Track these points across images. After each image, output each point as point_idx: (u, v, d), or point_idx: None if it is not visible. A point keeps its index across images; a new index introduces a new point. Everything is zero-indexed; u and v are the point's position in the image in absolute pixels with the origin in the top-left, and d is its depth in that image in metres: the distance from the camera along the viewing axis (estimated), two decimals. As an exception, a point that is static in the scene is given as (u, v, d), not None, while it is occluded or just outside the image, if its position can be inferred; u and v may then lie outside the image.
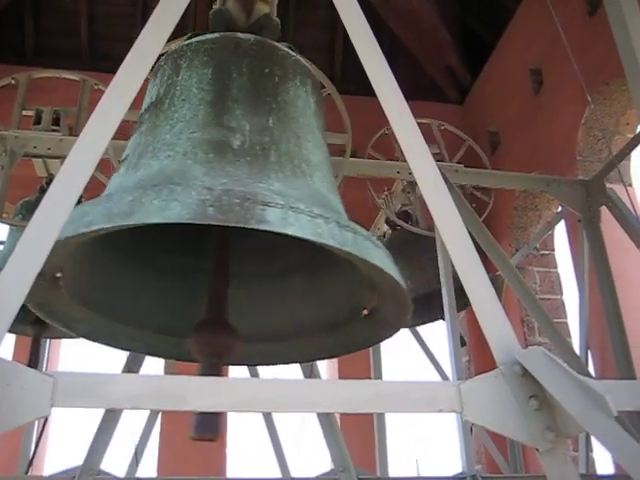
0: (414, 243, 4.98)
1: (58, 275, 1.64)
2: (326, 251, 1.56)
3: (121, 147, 3.82)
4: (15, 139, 3.95)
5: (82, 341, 1.94)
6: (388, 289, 1.62)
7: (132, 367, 3.23)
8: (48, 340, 5.27)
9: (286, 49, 1.99)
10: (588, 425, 1.24)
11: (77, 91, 4.60)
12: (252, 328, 1.95)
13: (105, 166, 3.94)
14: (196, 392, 1.20)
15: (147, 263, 2.00)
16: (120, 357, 3.57)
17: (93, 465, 3.12)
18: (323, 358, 2.03)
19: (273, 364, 2.02)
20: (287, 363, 2.05)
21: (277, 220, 1.36)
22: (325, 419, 3.28)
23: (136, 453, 4.07)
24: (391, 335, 1.84)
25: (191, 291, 2.02)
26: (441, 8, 8.21)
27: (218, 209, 1.33)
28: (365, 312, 1.81)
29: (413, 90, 8.65)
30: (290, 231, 1.35)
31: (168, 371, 4.00)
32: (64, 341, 6.02)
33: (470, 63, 8.61)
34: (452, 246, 1.51)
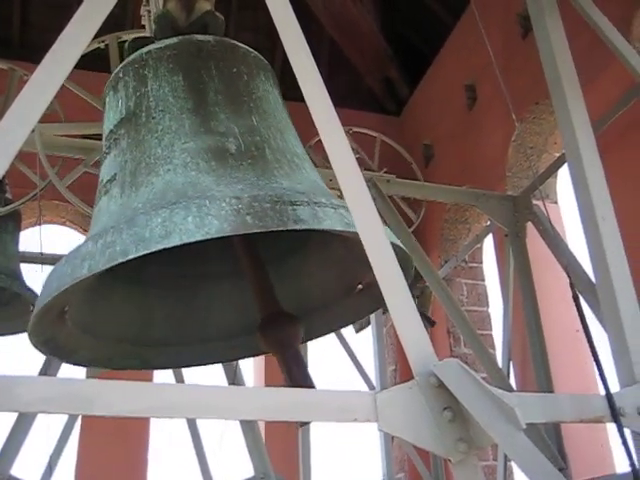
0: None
1: (66, 309, 1.60)
2: (317, 234, 1.62)
3: (53, 142, 3.77)
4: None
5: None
6: None
7: (49, 371, 3.13)
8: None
9: (244, 46, 1.97)
10: (497, 437, 1.26)
11: (4, 80, 4.44)
12: (244, 321, 1.95)
13: (32, 160, 3.83)
14: (105, 396, 1.16)
15: (134, 278, 1.94)
16: (37, 361, 3.45)
17: (3, 470, 3.00)
18: (316, 337, 2.05)
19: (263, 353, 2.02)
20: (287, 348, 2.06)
21: (310, 217, 1.38)
22: (247, 425, 3.25)
23: (51, 459, 3.94)
24: (381, 306, 1.88)
25: (181, 300, 2.01)
26: (382, 20, 8.32)
27: (255, 216, 1.33)
28: (360, 287, 1.86)
29: (352, 100, 8.76)
30: (325, 225, 1.40)
31: (90, 375, 3.89)
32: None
33: (408, 76, 8.74)
34: (373, 255, 1.52)
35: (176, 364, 2.08)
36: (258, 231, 1.34)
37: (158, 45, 1.90)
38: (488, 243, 6.73)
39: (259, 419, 1.30)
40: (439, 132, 7.79)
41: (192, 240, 1.31)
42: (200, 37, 1.93)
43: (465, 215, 7.29)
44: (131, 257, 1.30)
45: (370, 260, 1.52)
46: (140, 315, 1.96)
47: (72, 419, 4.71)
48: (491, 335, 6.92)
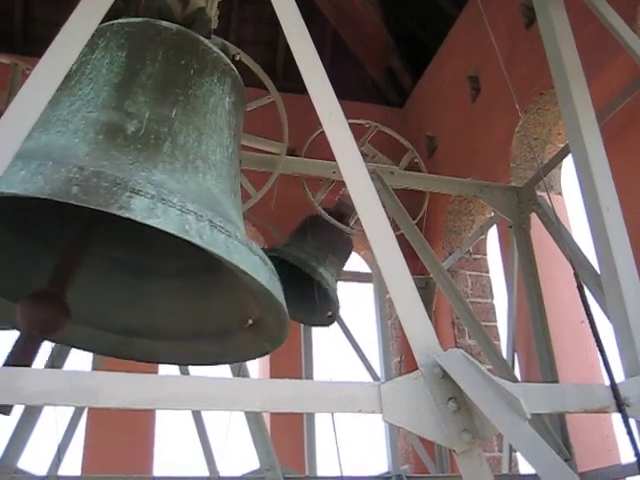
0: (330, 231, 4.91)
1: None
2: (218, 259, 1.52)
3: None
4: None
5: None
6: (266, 300, 1.60)
7: (56, 362, 3.14)
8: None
9: (209, 44, 1.95)
10: (502, 427, 1.26)
11: (8, 75, 4.43)
12: (144, 323, 1.93)
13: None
14: (110, 388, 1.17)
15: (38, 237, 1.93)
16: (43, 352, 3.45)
17: (10, 463, 3.02)
18: (210, 364, 1.99)
19: (154, 362, 1.99)
20: (171, 364, 2.03)
21: (142, 209, 1.33)
22: (252, 418, 3.26)
23: (58, 451, 3.96)
24: (273, 349, 1.82)
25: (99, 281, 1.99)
26: (385, 11, 8.29)
27: (83, 189, 1.30)
28: (250, 322, 1.79)
29: (355, 91, 8.73)
30: (153, 222, 1.33)
31: (96, 367, 3.91)
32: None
33: (411, 67, 8.71)
34: (377, 247, 1.52)
35: (70, 342, 2.03)
36: (76, 204, 1.30)
37: (123, 20, 1.90)
38: (492, 234, 6.72)
39: (263, 410, 1.31)
40: (442, 124, 7.76)
41: (9, 191, 1.29)
42: (165, 23, 1.92)
43: (469, 207, 7.27)
44: None
45: (374, 252, 1.52)
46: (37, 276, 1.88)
47: (79, 411, 4.72)
48: (496, 326, 6.91)
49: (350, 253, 5.04)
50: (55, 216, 1.89)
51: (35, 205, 1.57)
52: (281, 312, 1.62)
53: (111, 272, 2.05)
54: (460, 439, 1.34)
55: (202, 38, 1.99)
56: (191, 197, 1.51)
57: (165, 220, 1.35)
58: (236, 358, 1.98)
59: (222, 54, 2.01)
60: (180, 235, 1.35)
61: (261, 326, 1.76)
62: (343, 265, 4.95)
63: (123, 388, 1.17)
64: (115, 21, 1.92)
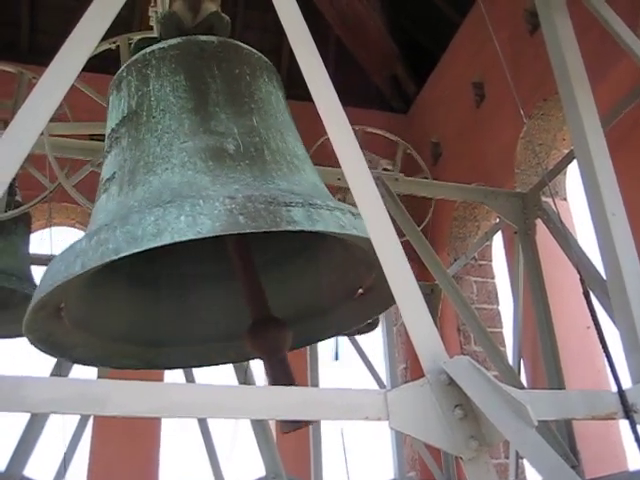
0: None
1: (62, 305, 1.59)
2: (318, 237, 1.61)
3: (61, 144, 3.78)
4: (-55, 131, 3.80)
5: (11, 342, 1.88)
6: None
7: (61, 371, 3.14)
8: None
9: (247, 47, 1.97)
10: (509, 434, 1.25)
11: (14, 84, 4.46)
12: (242, 324, 1.93)
13: (41, 163, 3.85)
14: (116, 397, 1.17)
15: (134, 276, 1.94)
16: (48, 362, 3.47)
17: (16, 471, 3.02)
18: (316, 341, 2.07)
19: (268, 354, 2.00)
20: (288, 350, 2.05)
21: (304, 219, 1.38)
22: (258, 425, 3.25)
23: (64, 459, 3.96)
24: (384, 311, 1.90)
25: (181, 300, 2.01)
26: (388, 18, 8.31)
27: (248, 216, 1.33)
28: (360, 291, 1.84)
29: (359, 98, 8.74)
30: (319, 227, 1.39)
31: (101, 375, 3.91)
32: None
33: (415, 74, 8.73)
34: (383, 253, 1.51)
35: (176, 364, 2.06)
36: (250, 231, 1.33)
37: (161, 45, 1.90)
38: (497, 241, 6.71)
39: (269, 418, 1.31)
40: (447, 130, 7.77)
41: (183, 239, 1.31)
42: (203, 38, 1.93)
43: (474, 213, 7.27)
44: (122, 255, 1.30)
45: (379, 258, 1.52)
46: (140, 314, 1.95)
47: (84, 419, 4.73)
48: (501, 333, 6.90)
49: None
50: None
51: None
52: None
53: (212, 286, 2.07)
54: (467, 446, 1.33)
55: (240, 43, 2.00)
56: (316, 194, 1.57)
57: (325, 222, 1.41)
58: (343, 329, 2.02)
59: (260, 54, 2.02)
60: (340, 231, 1.43)
61: (374, 291, 1.80)
62: None
63: (130, 396, 1.17)
64: (153, 47, 1.91)
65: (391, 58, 8.53)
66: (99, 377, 3.81)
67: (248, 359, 2.11)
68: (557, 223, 4.46)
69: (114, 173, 1.68)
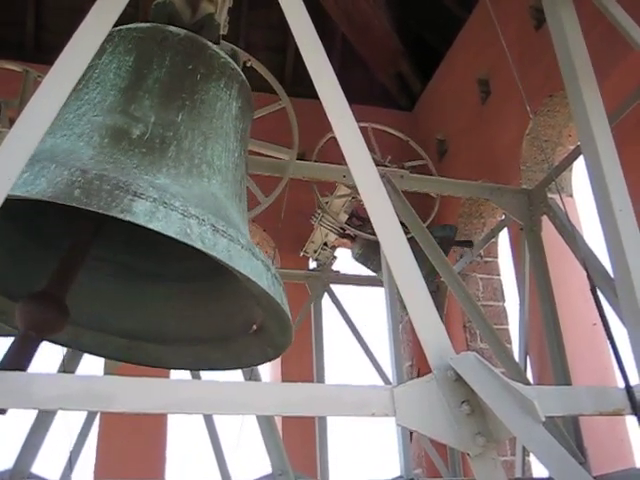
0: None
1: None
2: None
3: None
4: (-49, 130, 3.82)
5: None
6: (268, 306, 1.59)
7: (68, 367, 3.15)
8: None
9: (216, 49, 1.96)
10: (516, 430, 1.25)
11: (20, 83, 4.47)
12: (150, 327, 1.92)
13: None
14: (123, 393, 1.17)
15: (42, 239, 1.92)
16: (56, 357, 3.48)
17: (23, 468, 3.03)
18: (213, 369, 1.98)
19: (158, 367, 1.96)
20: (175, 368, 2.02)
21: (143, 213, 1.33)
22: (264, 422, 3.26)
23: (71, 456, 3.97)
24: (277, 356, 1.81)
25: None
26: (393, 15, 8.29)
27: (84, 192, 1.30)
28: (254, 327, 1.78)
29: (364, 95, 8.72)
30: (154, 226, 1.33)
31: (108, 371, 3.92)
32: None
33: (421, 71, 8.71)
34: (389, 250, 1.52)
35: (75, 346, 2.02)
36: (77, 206, 1.30)
37: (132, 26, 1.91)
38: (503, 237, 6.69)
39: (276, 414, 1.31)
40: (452, 127, 7.75)
41: (13, 194, 1.30)
42: (172, 28, 1.92)
43: (480, 210, 7.25)
44: None
45: (386, 256, 1.52)
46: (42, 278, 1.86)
47: (91, 416, 4.75)
48: (507, 330, 6.88)
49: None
50: (61, 219, 1.90)
51: (41, 207, 1.58)
52: (284, 318, 1.61)
53: (117, 276, 2.05)
54: (474, 442, 1.33)
55: (210, 43, 2.00)
56: (194, 201, 1.51)
57: (166, 224, 1.35)
58: (239, 364, 1.95)
59: (230, 59, 2.01)
60: (181, 239, 1.35)
61: (265, 332, 1.76)
62: None
63: (136, 393, 1.18)
64: (123, 26, 1.93)
65: (396, 55, 8.51)
66: (106, 373, 3.83)
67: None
68: (563, 219, 4.45)
69: None
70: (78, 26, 1.58)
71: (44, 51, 7.89)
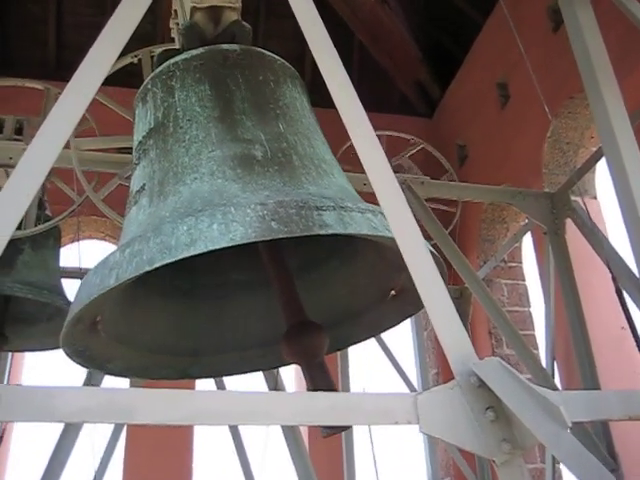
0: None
1: (98, 319, 1.61)
2: (348, 240, 1.62)
3: (89, 158, 3.83)
4: (-24, 149, 3.88)
5: (46, 354, 1.90)
6: None
7: (93, 381, 3.17)
8: (10, 354, 5.18)
9: (270, 54, 1.98)
10: (542, 436, 1.23)
11: (42, 100, 4.53)
12: (274, 331, 1.92)
13: (69, 177, 3.90)
14: (144, 405, 1.17)
15: (168, 287, 1.96)
16: (80, 375, 3.50)
17: (52, 481, 3.05)
18: (350, 344, 2.04)
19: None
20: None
21: (336, 222, 1.37)
22: (290, 432, 3.24)
23: (97, 470, 3.99)
24: (416, 312, 1.88)
25: (216, 309, 2.02)
26: (410, 22, 8.29)
27: (280, 222, 1.33)
28: (393, 293, 1.83)
29: (384, 104, 8.72)
30: (351, 230, 1.38)
31: (133, 385, 3.94)
32: (28, 354, 5.93)
33: (439, 77, 8.69)
34: (409, 256, 1.50)
35: (212, 373, 2.07)
36: (283, 237, 1.33)
37: (185, 56, 1.91)
38: (527, 242, 6.63)
39: (299, 424, 1.30)
40: (473, 132, 7.71)
41: (217, 247, 1.31)
42: (226, 46, 1.94)
43: (503, 214, 7.19)
44: (157, 265, 1.30)
45: (406, 261, 1.51)
46: (174, 325, 1.96)
47: (118, 429, 4.78)
48: (534, 335, 6.80)
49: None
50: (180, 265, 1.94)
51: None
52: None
53: (239, 293, 2.08)
54: (499, 449, 1.31)
55: (263, 50, 2.01)
56: (346, 197, 1.56)
57: (357, 225, 1.41)
58: (376, 330, 2.01)
59: (282, 59, 2.03)
60: (373, 233, 1.42)
61: (407, 292, 1.78)
62: None
63: (158, 404, 1.17)
64: (177, 59, 1.93)
65: (415, 63, 8.50)
66: (131, 386, 3.85)
67: (283, 365, 2.09)
68: (587, 222, 4.40)
69: (143, 185, 1.69)
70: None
71: (65, 68, 8.00)
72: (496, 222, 7.25)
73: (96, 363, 1.77)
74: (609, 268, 3.54)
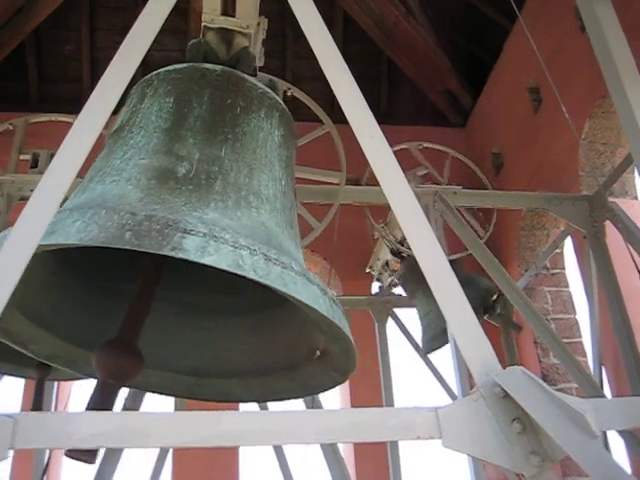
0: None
1: None
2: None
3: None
4: (12, 183, 3.99)
5: (92, 382, 1.89)
6: (329, 330, 1.57)
7: (131, 405, 3.20)
8: (56, 382, 5.27)
9: (253, 81, 1.98)
10: (568, 447, 1.18)
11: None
12: (214, 363, 1.92)
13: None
14: (161, 428, 1.17)
15: (106, 287, 1.97)
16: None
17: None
18: (282, 399, 1.95)
19: (227, 401, 1.96)
20: (244, 401, 2.01)
21: (194, 248, 1.33)
22: (328, 449, 3.21)
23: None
24: (344, 380, 1.78)
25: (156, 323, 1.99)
26: (437, 33, 8.25)
27: (135, 234, 1.32)
28: (318, 353, 1.76)
29: (416, 116, 8.68)
30: (206, 260, 1.32)
31: (178, 408, 3.96)
32: (76, 383, 6.02)
33: (470, 85, 8.62)
34: (427, 267, 1.47)
35: (139, 386, 2.02)
36: (131, 249, 1.31)
37: (170, 68, 1.95)
38: (569, 247, 6.49)
39: (318, 442, 1.28)
40: (507, 139, 7.61)
41: (65, 243, 1.33)
42: (208, 65, 1.96)
43: (542, 221, 7.05)
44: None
45: (423, 269, 1.48)
46: (103, 325, 1.90)
47: (164, 451, 4.81)
48: (581, 342, 6.62)
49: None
50: (121, 265, 1.94)
51: (102, 254, 1.61)
52: (346, 340, 1.59)
53: (179, 315, 2.08)
54: (528, 462, 1.26)
55: (246, 76, 2.02)
56: (244, 232, 1.51)
57: (218, 257, 1.35)
58: (307, 391, 1.93)
59: (267, 89, 2.03)
60: (234, 271, 1.35)
61: (329, 356, 1.74)
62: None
63: (173, 428, 1.17)
64: (162, 69, 1.98)
65: (443, 72, 8.45)
66: (176, 409, 3.87)
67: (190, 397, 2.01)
68: (628, 223, 4.28)
69: (84, 178, 1.74)
70: (135, 78, 1.62)
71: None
72: (535, 229, 7.11)
73: (16, 340, 1.76)
74: (651, 269, 3.43)
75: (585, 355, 6.33)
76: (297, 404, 3.61)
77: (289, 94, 3.88)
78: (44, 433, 1.14)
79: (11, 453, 1.12)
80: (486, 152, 7.91)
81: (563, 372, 6.25)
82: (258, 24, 2.38)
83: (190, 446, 1.17)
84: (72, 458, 1.43)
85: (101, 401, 1.51)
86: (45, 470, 4.39)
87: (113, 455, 3.09)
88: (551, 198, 4.66)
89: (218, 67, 1.98)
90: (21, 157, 4.26)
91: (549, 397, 1.26)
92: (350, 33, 8.25)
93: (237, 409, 2.12)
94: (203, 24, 2.21)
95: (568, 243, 6.15)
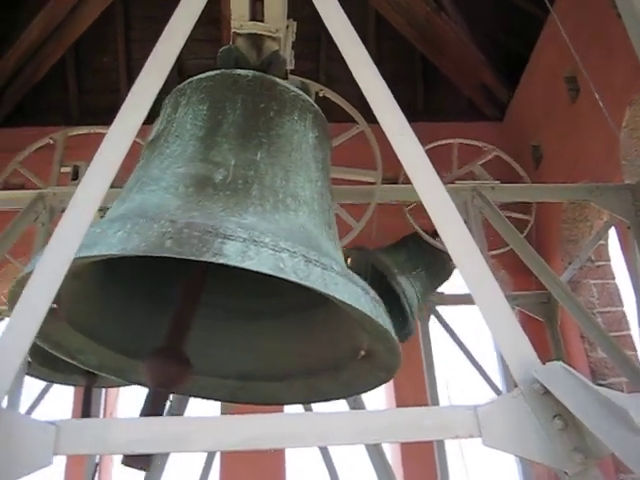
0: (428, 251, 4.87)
1: (53, 306, 1.64)
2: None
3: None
4: (54, 196, 4.08)
5: (138, 388, 1.93)
6: (372, 329, 1.57)
7: (177, 410, 3.24)
8: (104, 389, 5.37)
9: (285, 84, 1.99)
10: (611, 442, 1.15)
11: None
12: (253, 366, 1.93)
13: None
14: (197, 433, 1.18)
15: (150, 295, 2.01)
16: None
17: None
18: (326, 400, 1.96)
19: (271, 404, 1.97)
20: (288, 403, 2.02)
21: (235, 253, 1.34)
22: (373, 449, 3.20)
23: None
24: (389, 379, 1.78)
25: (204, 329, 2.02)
26: (470, 26, 8.16)
27: (176, 242, 1.33)
28: (362, 353, 1.76)
29: (452, 112, 8.60)
30: (247, 265, 1.33)
31: (225, 411, 4.00)
32: (122, 388, 6.12)
33: (506, 78, 8.49)
34: (462, 264, 1.46)
35: (190, 392, 2.05)
36: (173, 256, 1.32)
37: (202, 76, 1.98)
38: (613, 238, 6.35)
39: (356, 443, 1.27)
40: (546, 131, 7.48)
41: (106, 253, 1.35)
42: (239, 71, 1.98)
43: (584, 213, 6.91)
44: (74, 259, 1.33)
45: (457, 266, 1.46)
46: (153, 333, 1.91)
47: (211, 456, 4.86)
48: (630, 335, 6.46)
49: (448, 276, 4.98)
50: (162, 272, 1.97)
51: (142, 263, 1.64)
52: (389, 339, 1.59)
53: (224, 320, 2.10)
54: (571, 459, 1.24)
55: (278, 80, 2.03)
56: (283, 235, 1.52)
57: (259, 261, 1.36)
58: (353, 391, 1.93)
59: (300, 92, 2.04)
60: (275, 274, 1.36)
61: (373, 356, 1.74)
62: (436, 286, 4.90)
63: (210, 431, 1.18)
64: (194, 78, 2.01)
65: (478, 67, 8.34)
66: (222, 413, 3.91)
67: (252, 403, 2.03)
68: (673, 211, 4.16)
69: (123, 189, 1.77)
70: (167, 86, 1.65)
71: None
72: (578, 221, 6.97)
73: (65, 351, 1.80)
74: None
75: (634, 349, 6.18)
76: (340, 405, 3.61)
77: (321, 95, 3.88)
78: (85, 439, 1.16)
79: (57, 458, 1.14)
80: (525, 145, 7.79)
81: (612, 366, 6.10)
82: (287, 27, 2.40)
83: (227, 449, 1.18)
84: (127, 466, 1.48)
85: (153, 409, 1.55)
86: (94, 474, 4.47)
87: (159, 459, 3.13)
88: (592, 189, 4.56)
89: (250, 72, 2.00)
90: (62, 170, 4.35)
91: (590, 392, 1.23)
92: (382, 32, 8.22)
93: (282, 411, 2.12)
94: (233, 30, 2.23)
95: (612, 234, 6.00)
